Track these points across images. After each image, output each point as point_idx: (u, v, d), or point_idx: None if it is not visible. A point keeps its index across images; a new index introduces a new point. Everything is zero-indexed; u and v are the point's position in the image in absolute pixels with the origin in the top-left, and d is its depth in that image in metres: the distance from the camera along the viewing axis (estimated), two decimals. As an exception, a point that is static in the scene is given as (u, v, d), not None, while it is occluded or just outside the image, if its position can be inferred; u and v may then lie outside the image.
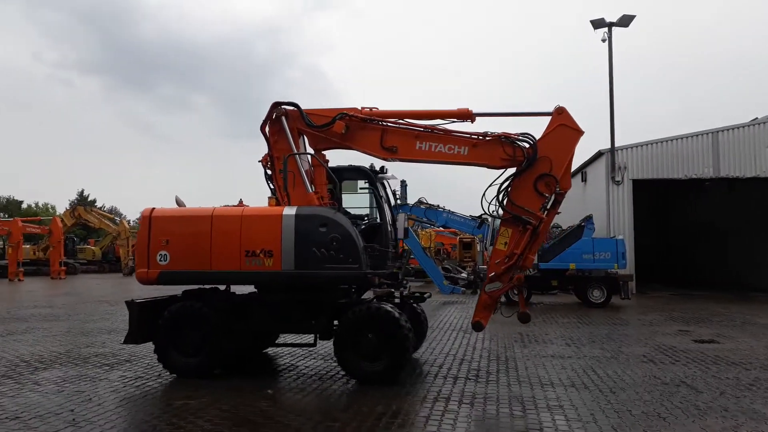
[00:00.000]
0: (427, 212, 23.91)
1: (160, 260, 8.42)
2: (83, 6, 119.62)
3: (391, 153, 8.83)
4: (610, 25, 24.49)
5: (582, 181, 28.62)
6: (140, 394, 7.49)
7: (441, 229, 31.22)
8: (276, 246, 8.08)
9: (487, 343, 11.37)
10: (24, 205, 77.72)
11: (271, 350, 10.39)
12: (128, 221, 55.16)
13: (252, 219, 8.34)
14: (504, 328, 13.29)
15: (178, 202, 9.25)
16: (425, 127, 8.82)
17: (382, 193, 9.68)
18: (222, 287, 9.07)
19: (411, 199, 25.61)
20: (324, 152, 9.40)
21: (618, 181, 24.63)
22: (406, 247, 27.56)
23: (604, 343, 11.49)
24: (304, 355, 10.05)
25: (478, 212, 23.51)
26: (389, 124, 8.91)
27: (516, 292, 8.77)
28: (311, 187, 8.84)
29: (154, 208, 8.73)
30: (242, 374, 8.77)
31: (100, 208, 62.09)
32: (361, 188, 9.92)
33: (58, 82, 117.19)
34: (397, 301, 9.35)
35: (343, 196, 9.58)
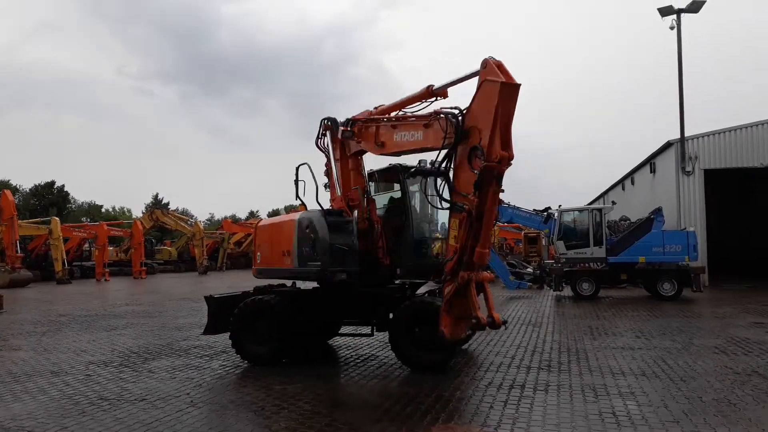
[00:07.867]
0: (492, 208, 23.80)
1: (258, 260, 10.17)
2: (166, 20, 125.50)
3: (382, 149, 8.74)
4: (679, 11, 23.96)
5: (651, 172, 28.10)
6: (241, 380, 8.34)
7: (504, 224, 31.22)
8: (291, 246, 9.39)
9: (557, 336, 11.72)
10: (103, 210, 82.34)
11: (354, 341, 11.15)
12: (201, 222, 57.66)
13: (282, 225, 9.90)
14: (573, 322, 13.56)
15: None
16: (399, 117, 8.53)
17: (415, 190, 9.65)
18: (289, 283, 10.15)
19: None
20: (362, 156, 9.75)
21: (689, 172, 24.13)
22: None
23: (675, 335, 11.62)
24: (383, 346, 10.73)
25: (537, 205, 23.61)
26: (383, 120, 8.79)
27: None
28: (339, 191, 9.58)
29: (261, 219, 10.41)
30: (330, 364, 9.60)
31: (174, 211, 65.18)
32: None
33: (140, 93, 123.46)
34: None
35: (384, 195, 10.18)
